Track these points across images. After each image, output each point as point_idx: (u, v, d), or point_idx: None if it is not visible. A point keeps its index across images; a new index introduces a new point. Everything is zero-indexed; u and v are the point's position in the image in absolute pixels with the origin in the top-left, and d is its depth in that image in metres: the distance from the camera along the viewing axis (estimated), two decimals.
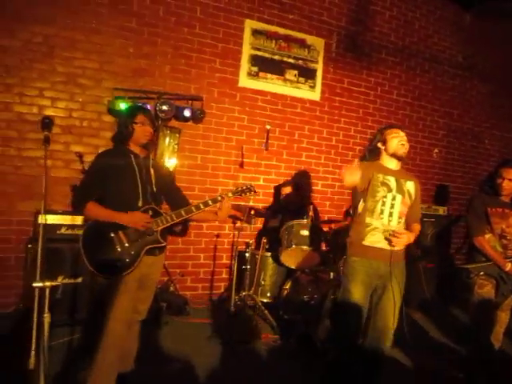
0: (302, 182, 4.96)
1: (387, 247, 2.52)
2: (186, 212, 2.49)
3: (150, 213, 2.45)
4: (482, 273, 3.06)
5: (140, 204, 2.42)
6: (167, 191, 2.64)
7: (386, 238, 2.51)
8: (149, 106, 3.95)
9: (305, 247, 3.93)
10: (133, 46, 4.30)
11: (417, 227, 2.72)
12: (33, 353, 1.56)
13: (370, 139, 2.86)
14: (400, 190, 2.59)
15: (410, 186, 2.66)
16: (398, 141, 2.60)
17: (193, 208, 2.51)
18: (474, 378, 3.09)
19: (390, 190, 2.56)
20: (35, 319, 1.60)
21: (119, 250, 2.34)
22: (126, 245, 2.35)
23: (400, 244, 2.52)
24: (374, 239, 2.54)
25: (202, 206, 2.51)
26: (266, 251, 4.26)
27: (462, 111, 6.35)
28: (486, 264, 3.05)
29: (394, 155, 2.61)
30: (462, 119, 6.36)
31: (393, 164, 2.64)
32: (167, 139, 4.35)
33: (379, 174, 2.58)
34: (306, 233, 3.98)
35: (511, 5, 5.43)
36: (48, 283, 1.64)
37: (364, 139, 5.39)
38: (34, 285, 1.61)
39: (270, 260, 4.27)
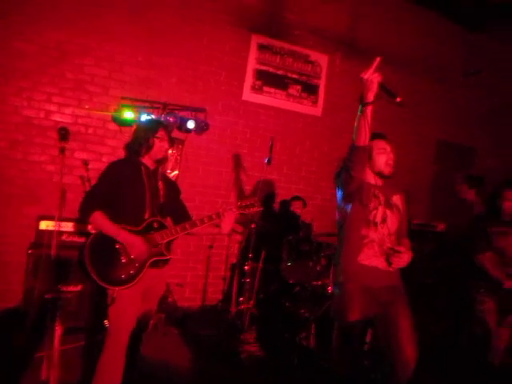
0: (301, 196, 4.99)
1: (384, 267, 2.30)
2: (190, 226, 2.51)
3: (156, 225, 2.46)
4: (482, 290, 3.12)
5: (147, 216, 2.44)
6: (173, 205, 2.66)
7: (385, 257, 2.29)
8: (153, 117, 3.99)
9: (304, 261, 3.94)
10: (142, 55, 4.34)
11: (408, 243, 2.48)
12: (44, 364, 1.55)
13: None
14: (388, 204, 2.38)
15: (397, 199, 2.46)
16: (385, 159, 2.38)
17: (197, 222, 2.53)
18: None
19: (380, 203, 2.35)
20: (46, 330, 1.59)
21: (124, 261, 2.34)
22: (132, 256, 2.36)
23: (402, 263, 2.27)
24: (371, 254, 2.30)
25: (205, 221, 2.53)
26: (264, 264, 4.27)
27: (462, 127, 6.44)
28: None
29: (379, 174, 2.40)
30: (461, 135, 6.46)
31: (377, 180, 2.42)
32: (170, 150, 4.37)
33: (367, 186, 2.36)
34: (305, 247, 4.01)
35: None
36: (60, 292, 1.64)
37: None
38: (46, 296, 1.62)
39: (269, 273, 4.28)
